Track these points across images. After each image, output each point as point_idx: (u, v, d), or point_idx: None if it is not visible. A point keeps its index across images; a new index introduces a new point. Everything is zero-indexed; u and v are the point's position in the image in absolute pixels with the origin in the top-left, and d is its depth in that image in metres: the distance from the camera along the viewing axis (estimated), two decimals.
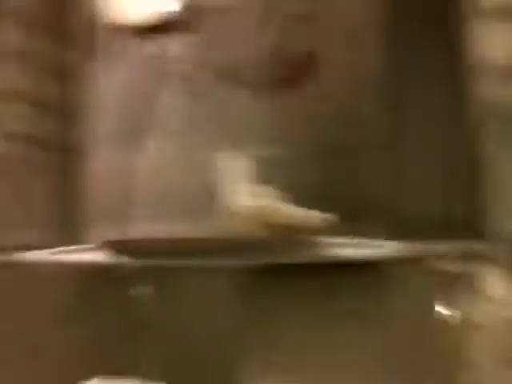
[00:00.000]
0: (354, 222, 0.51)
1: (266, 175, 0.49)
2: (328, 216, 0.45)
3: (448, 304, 0.50)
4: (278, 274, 0.66)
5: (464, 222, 0.52)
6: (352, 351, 0.59)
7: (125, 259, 0.58)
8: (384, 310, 0.57)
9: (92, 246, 0.60)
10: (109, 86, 0.59)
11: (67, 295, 0.61)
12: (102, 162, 0.60)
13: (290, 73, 0.52)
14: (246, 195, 0.46)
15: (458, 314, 0.49)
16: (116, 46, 0.58)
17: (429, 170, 0.61)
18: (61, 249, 0.63)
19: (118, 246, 0.54)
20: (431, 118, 0.66)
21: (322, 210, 0.47)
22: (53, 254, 0.63)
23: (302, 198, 0.48)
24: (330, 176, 0.51)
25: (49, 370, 0.69)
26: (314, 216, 0.45)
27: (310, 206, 0.48)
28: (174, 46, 0.54)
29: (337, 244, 0.48)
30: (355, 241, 0.48)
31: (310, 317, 0.61)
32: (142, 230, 0.55)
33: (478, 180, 0.58)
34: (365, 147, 0.56)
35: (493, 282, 0.50)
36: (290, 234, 0.45)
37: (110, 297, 0.71)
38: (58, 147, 0.76)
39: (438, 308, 0.50)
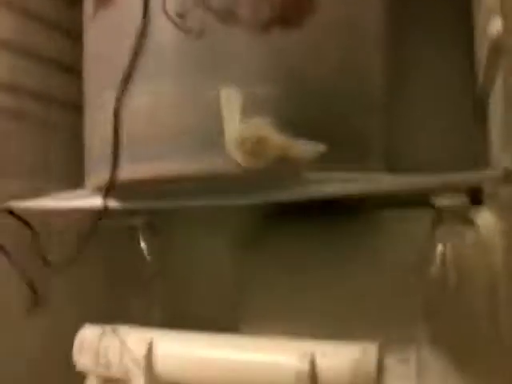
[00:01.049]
0: (350, 156, 0.50)
1: (261, 112, 0.49)
2: (321, 146, 0.45)
3: (442, 239, 0.50)
4: (273, 216, 0.65)
5: (463, 161, 0.52)
6: (347, 291, 0.59)
7: (120, 203, 0.58)
8: (380, 248, 0.57)
9: (87, 191, 0.60)
10: (102, 29, 0.58)
11: (67, 241, 0.61)
12: (98, 109, 0.60)
13: (286, 12, 0.52)
14: (241, 127, 0.46)
15: (451, 248, 0.49)
16: None
17: (429, 109, 0.61)
18: (57, 195, 0.63)
19: (112, 190, 0.54)
20: (433, 62, 0.66)
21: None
22: (49, 201, 0.63)
23: (295, 134, 0.48)
24: (325, 114, 0.51)
25: (45, 319, 0.69)
26: (307, 146, 0.45)
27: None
28: None
29: (331, 179, 0.48)
30: (351, 175, 0.48)
31: (305, 259, 0.61)
32: (137, 170, 0.54)
33: (479, 121, 0.57)
34: (362, 87, 0.55)
35: (486, 219, 0.50)
36: (285, 164, 0.45)
37: (110, 242, 0.72)
38: (56, 99, 0.76)
39: (433, 242, 0.49)
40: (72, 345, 0.61)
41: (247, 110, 0.48)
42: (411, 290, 0.56)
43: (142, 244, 0.75)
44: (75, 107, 0.66)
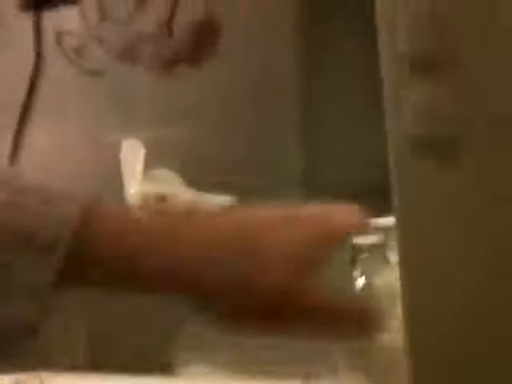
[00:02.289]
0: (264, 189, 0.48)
1: (166, 155, 0.46)
2: (227, 199, 0.42)
3: (364, 273, 0.49)
4: None
5: (377, 189, 0.51)
6: None
7: None
8: None
9: None
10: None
11: None
12: None
13: (189, 52, 0.49)
14: (144, 181, 0.43)
15: (372, 282, 0.48)
16: (5, 21, 0.53)
17: (343, 143, 0.59)
18: None
19: None
20: (348, 90, 0.64)
21: (224, 186, 0.45)
22: None
23: (204, 175, 0.46)
24: (234, 154, 0.49)
25: None
26: (213, 200, 0.42)
27: (212, 183, 0.45)
28: (67, 20, 0.50)
29: None
30: None
31: None
32: None
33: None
34: (273, 125, 0.53)
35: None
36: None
37: None
38: None
39: (355, 278, 0.48)
40: None
41: (152, 158, 0.45)
42: None
43: None
44: None
